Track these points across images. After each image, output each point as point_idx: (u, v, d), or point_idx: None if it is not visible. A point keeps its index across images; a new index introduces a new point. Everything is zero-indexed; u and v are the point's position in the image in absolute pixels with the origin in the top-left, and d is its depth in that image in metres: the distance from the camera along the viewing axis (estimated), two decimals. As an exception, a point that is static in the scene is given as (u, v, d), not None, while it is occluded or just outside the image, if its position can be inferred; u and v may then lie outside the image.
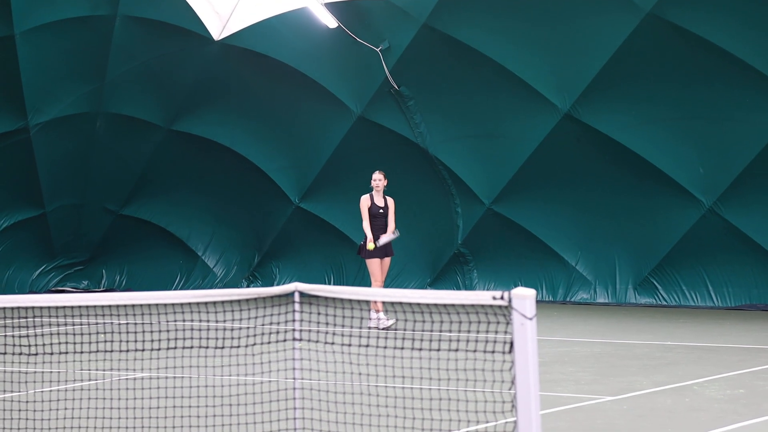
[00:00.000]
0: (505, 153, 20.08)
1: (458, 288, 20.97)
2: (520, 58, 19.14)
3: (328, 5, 19.71)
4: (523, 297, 5.93)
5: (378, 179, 15.88)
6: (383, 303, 14.83)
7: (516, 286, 20.19)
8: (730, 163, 18.39)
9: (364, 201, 15.79)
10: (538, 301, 19.96)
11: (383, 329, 14.26)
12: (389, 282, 20.03)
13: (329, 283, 22.00)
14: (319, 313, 7.94)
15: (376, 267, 15.35)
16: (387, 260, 15.57)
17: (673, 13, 17.60)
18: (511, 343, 5.92)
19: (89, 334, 13.24)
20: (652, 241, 19.42)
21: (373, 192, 15.85)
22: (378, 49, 19.91)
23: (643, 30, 17.88)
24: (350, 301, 6.90)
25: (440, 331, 8.35)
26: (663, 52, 18.07)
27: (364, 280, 21.61)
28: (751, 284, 18.78)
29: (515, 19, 18.81)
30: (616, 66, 18.40)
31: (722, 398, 9.65)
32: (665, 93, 18.41)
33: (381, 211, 15.76)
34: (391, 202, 15.97)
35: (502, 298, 6.02)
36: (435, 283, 21.24)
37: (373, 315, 14.62)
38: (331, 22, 19.85)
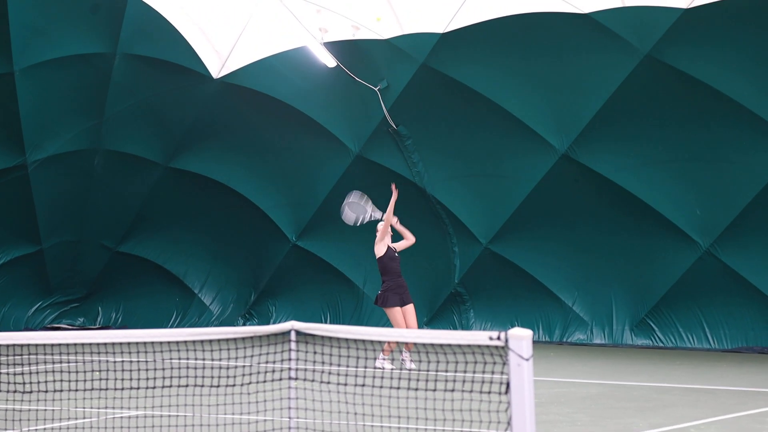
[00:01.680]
0: (503, 193, 20.11)
1: (455, 327, 20.93)
2: (518, 98, 19.21)
3: (326, 44, 19.81)
4: (520, 337, 5.93)
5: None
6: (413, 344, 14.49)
7: (512, 326, 20.17)
8: (728, 204, 18.42)
9: (382, 232, 15.48)
10: (534, 342, 20.00)
11: (408, 370, 14.15)
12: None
13: (325, 322, 21.97)
14: (315, 352, 7.92)
15: (398, 315, 14.70)
16: (409, 308, 14.90)
17: (671, 55, 17.68)
18: (508, 384, 5.91)
19: (84, 371, 13.20)
20: (649, 283, 19.41)
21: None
22: (376, 89, 19.98)
23: (641, 71, 17.96)
24: (346, 340, 6.89)
25: (437, 371, 8.32)
26: (660, 94, 18.15)
27: (361, 319, 21.57)
28: (748, 326, 18.76)
29: (513, 59, 18.89)
30: (614, 107, 18.47)
31: (719, 441, 9.62)
32: (663, 134, 18.47)
33: (397, 254, 15.56)
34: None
35: (498, 338, 6.02)
36: (432, 322, 21.22)
37: (405, 355, 14.15)
38: (329, 61, 19.94)
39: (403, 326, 14.54)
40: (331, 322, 21.82)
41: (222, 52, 20.56)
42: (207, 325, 22.24)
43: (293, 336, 7.19)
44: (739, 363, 17.12)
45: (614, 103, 18.45)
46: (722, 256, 18.62)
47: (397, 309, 14.86)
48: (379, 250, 15.31)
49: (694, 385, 13.72)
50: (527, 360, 5.97)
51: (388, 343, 13.98)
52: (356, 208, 15.73)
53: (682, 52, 17.62)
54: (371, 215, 15.92)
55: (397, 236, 16.08)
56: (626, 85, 18.18)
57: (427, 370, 8.19)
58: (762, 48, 17.22)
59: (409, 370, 13.84)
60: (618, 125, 18.64)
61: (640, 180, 18.89)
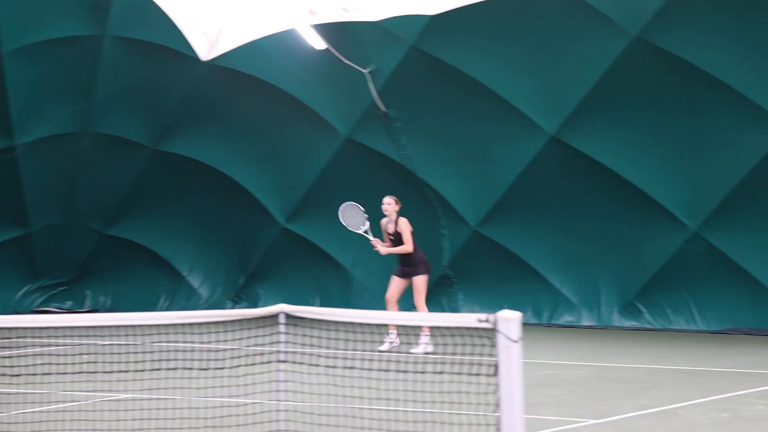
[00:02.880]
0: (492, 175, 20.11)
1: (443, 310, 20.95)
2: (508, 81, 19.20)
3: (316, 26, 19.76)
4: (509, 320, 5.95)
5: (386, 203, 15.69)
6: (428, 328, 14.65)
7: (501, 308, 20.14)
8: (716, 187, 18.45)
9: (382, 223, 15.75)
10: (522, 324, 19.95)
11: (417, 353, 14.33)
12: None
13: (315, 305, 21.97)
14: (304, 335, 7.92)
15: (392, 281, 15.39)
16: (414, 278, 15.41)
17: (660, 38, 17.69)
18: (496, 366, 5.92)
19: (72, 354, 13.19)
20: (638, 265, 19.44)
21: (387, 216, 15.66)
22: (366, 71, 19.95)
23: (631, 54, 17.96)
24: (335, 322, 6.90)
25: (426, 353, 8.33)
26: (650, 76, 18.15)
27: (350, 302, 21.58)
28: (736, 308, 18.81)
29: (503, 42, 18.87)
30: (604, 89, 18.47)
31: (706, 422, 9.65)
32: (652, 117, 18.48)
33: (391, 237, 15.62)
34: (403, 223, 15.68)
35: (487, 320, 6.03)
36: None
37: (393, 337, 14.59)
38: (319, 43, 19.89)
39: (391, 292, 15.18)
40: (320, 305, 21.83)
41: (211, 35, 20.49)
42: (196, 309, 22.21)
43: (282, 319, 7.18)
44: (727, 344, 17.19)
45: (604, 86, 18.45)
46: (710, 238, 18.66)
47: (394, 277, 15.51)
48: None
49: (681, 367, 13.78)
50: (516, 342, 5.99)
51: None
52: (356, 216, 15.90)
53: (672, 35, 17.62)
54: (362, 230, 16.00)
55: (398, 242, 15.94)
56: (616, 67, 18.18)
57: (416, 352, 8.19)
58: (750, 30, 17.23)
59: (380, 351, 14.20)
60: (608, 108, 18.64)
61: (629, 162, 18.90)
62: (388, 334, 14.78)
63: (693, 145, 18.35)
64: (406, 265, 15.50)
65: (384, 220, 15.70)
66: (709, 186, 18.46)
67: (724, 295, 18.80)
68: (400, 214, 15.83)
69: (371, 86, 20.00)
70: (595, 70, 18.38)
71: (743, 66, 17.49)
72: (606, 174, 19.06)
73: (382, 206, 15.67)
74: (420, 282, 15.44)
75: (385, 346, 14.52)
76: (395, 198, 15.86)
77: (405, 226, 15.63)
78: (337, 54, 19.87)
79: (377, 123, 20.43)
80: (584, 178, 19.38)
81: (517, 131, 19.42)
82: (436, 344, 7.71)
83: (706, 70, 17.55)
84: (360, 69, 19.94)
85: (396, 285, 15.51)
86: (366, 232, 15.85)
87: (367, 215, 16.00)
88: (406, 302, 16.30)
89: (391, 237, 15.56)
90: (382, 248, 15.55)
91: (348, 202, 16.20)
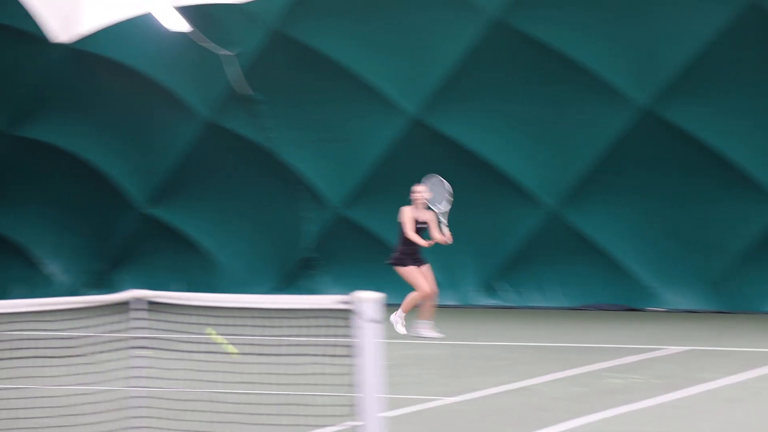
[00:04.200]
0: (356, 157, 20.17)
1: (308, 293, 20.95)
2: (369, 63, 19.26)
3: (177, 9, 19.50)
4: (369, 300, 6.00)
5: (419, 191, 14.81)
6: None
7: (366, 289, 20.29)
8: (572, 165, 18.83)
9: (408, 212, 14.68)
10: (387, 305, 20.12)
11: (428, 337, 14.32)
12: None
13: (178, 290, 21.73)
14: (163, 320, 7.84)
15: (418, 274, 14.44)
16: (426, 267, 14.63)
17: (519, 21, 17.97)
18: (356, 347, 5.96)
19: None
20: (498, 243, 19.72)
21: (415, 205, 14.72)
22: (227, 54, 19.79)
23: (490, 35, 18.20)
24: (196, 307, 6.85)
25: (286, 336, 8.35)
26: (510, 58, 18.42)
27: (215, 287, 21.42)
28: (594, 285, 19.24)
29: (361, 24, 18.93)
30: (464, 71, 18.67)
31: (564, 396, 9.86)
32: (511, 97, 18.74)
33: (423, 226, 14.72)
34: (431, 215, 14.86)
35: (347, 302, 6.07)
36: (284, 288, 21.18)
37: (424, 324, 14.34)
38: (181, 26, 19.64)
39: (423, 282, 14.44)
40: (184, 291, 21.60)
41: (69, 17, 20.06)
42: (54, 296, 21.79)
43: (141, 304, 7.11)
44: (584, 320, 17.58)
45: (464, 67, 18.65)
46: (568, 217, 19.04)
47: (412, 268, 14.58)
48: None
49: (540, 343, 14.04)
50: (375, 322, 6.04)
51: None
52: (440, 192, 14.96)
53: (529, 17, 17.92)
54: (440, 207, 15.06)
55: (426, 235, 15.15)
56: (475, 49, 18.41)
57: (277, 336, 8.22)
58: (606, 9, 17.62)
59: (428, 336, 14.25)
60: (468, 89, 18.85)
61: (490, 143, 19.15)
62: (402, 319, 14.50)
63: (549, 124, 18.69)
64: (418, 254, 14.65)
65: (409, 208, 14.74)
66: (566, 164, 18.84)
67: (581, 271, 19.21)
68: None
69: (234, 69, 19.85)
70: (455, 51, 18.58)
71: (598, 46, 17.86)
72: (466, 155, 19.27)
73: (417, 194, 14.76)
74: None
75: (434, 332, 14.41)
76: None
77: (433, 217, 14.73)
78: (199, 37, 19.66)
79: (240, 106, 20.29)
80: (445, 159, 19.56)
81: (378, 113, 19.51)
82: (292, 326, 7.78)
83: (563, 52, 17.88)
84: (222, 51, 19.77)
85: (423, 275, 14.64)
86: (443, 215, 14.80)
87: (451, 198, 14.97)
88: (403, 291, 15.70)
89: (422, 226, 14.64)
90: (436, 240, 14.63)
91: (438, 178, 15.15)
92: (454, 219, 19.85)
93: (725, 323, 17.05)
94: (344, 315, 6.26)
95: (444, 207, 14.93)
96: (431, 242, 14.60)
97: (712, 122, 17.85)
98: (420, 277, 14.38)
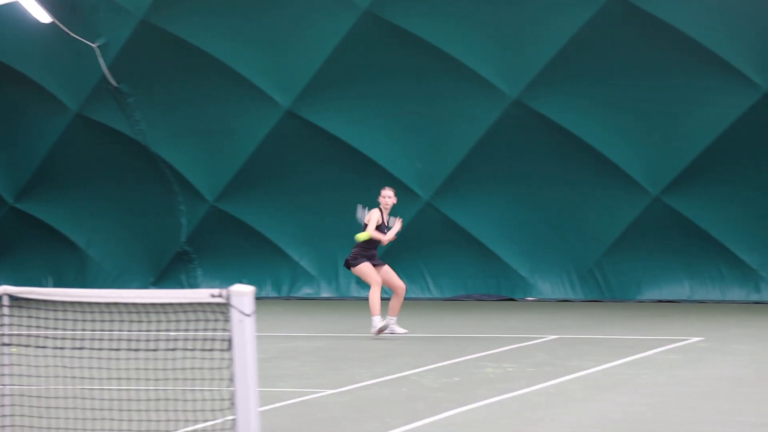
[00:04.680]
0: (229, 150, 20.02)
1: (182, 287, 20.73)
2: (240, 55, 19.13)
3: (40, 0, 19.08)
4: (242, 294, 5.92)
5: (389, 196, 14.16)
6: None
7: (241, 282, 20.16)
8: (446, 157, 18.98)
9: (375, 215, 14.06)
10: (262, 298, 20.09)
11: (391, 333, 13.86)
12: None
13: (48, 286, 21.31)
14: (30, 317, 7.66)
15: (368, 268, 13.90)
16: (386, 266, 14.06)
17: (389, 12, 18.02)
18: (230, 340, 5.89)
19: None
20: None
21: (381, 208, 14.11)
22: (94, 45, 19.43)
23: (361, 28, 18.23)
24: (63, 303, 6.70)
25: (158, 331, 8.22)
26: (380, 49, 18.47)
27: (86, 283, 21.03)
28: (467, 275, 19.43)
29: (233, 17, 18.80)
30: (337, 63, 18.66)
31: (438, 387, 9.91)
32: (384, 89, 18.81)
33: (386, 231, 14.10)
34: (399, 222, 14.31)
35: (220, 295, 5.98)
36: (158, 282, 20.94)
37: (390, 320, 13.93)
38: (44, 16, 19.22)
39: (376, 277, 13.86)
40: (54, 286, 21.19)
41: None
42: None
43: (5, 300, 6.95)
44: (459, 311, 17.73)
45: (336, 60, 18.65)
46: (441, 208, 19.19)
47: (366, 264, 13.96)
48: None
49: (416, 334, 14.10)
50: (249, 316, 5.97)
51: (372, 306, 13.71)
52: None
53: (401, 9, 18.00)
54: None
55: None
56: (347, 41, 18.41)
57: (149, 330, 8.09)
58: (473, 5, 17.80)
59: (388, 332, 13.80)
60: (341, 81, 18.86)
61: (364, 135, 19.20)
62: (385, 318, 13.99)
63: (424, 117, 18.82)
64: (375, 255, 14.15)
65: (377, 210, 14.12)
66: (440, 156, 18.99)
67: (456, 262, 19.39)
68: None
69: (101, 61, 19.52)
70: (328, 43, 18.57)
71: (467, 39, 18.04)
72: (340, 146, 19.29)
73: (387, 199, 14.12)
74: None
75: (400, 329, 13.96)
76: (395, 191, 14.40)
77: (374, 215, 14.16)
78: (63, 28, 19.27)
79: (109, 98, 19.97)
80: (320, 151, 19.55)
81: (252, 105, 19.39)
82: (168, 321, 7.67)
83: (431, 42, 18.02)
84: (88, 43, 19.42)
85: (376, 270, 14.04)
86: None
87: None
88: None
89: (386, 231, 14.12)
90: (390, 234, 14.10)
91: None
92: (330, 210, 19.89)
93: (597, 312, 17.37)
94: (219, 309, 6.17)
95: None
96: (392, 237, 14.17)
97: (581, 113, 18.17)
98: (371, 270, 13.91)
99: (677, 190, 18.20)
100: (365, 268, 14.03)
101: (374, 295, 13.87)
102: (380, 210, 14.11)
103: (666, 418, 8.43)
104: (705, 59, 17.23)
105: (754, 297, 18.36)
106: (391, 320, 14.04)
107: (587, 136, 18.19)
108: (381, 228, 14.05)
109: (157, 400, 7.97)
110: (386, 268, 14.13)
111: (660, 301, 18.64)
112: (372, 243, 14.05)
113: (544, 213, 18.99)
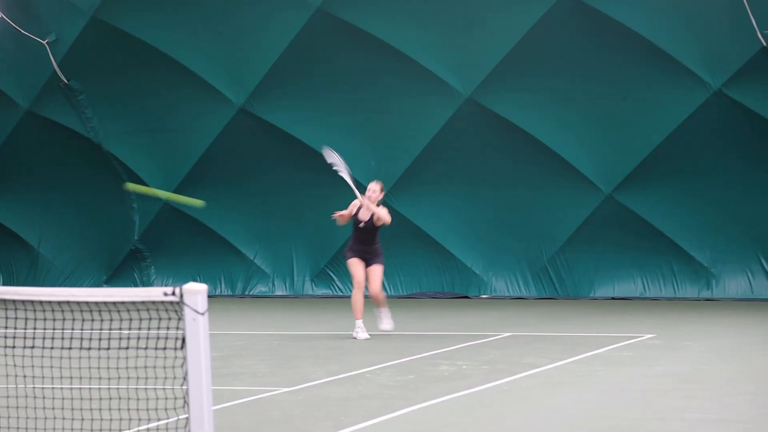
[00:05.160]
0: (181, 147, 19.94)
1: (136, 285, 20.63)
2: (193, 52, 19.05)
3: (-9, -5, 18.92)
4: (195, 292, 5.87)
5: (372, 190, 13.78)
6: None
7: (195, 281, 20.08)
8: (400, 155, 19.01)
9: (354, 203, 13.79)
10: (216, 296, 20.02)
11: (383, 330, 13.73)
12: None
13: (-1, 285, 21.13)
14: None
15: (354, 267, 13.70)
16: (374, 266, 13.72)
17: (342, 10, 18.02)
18: (183, 339, 5.85)
19: None
20: (327, 233, 19.76)
21: (364, 202, 13.68)
22: (45, 42, 19.27)
23: (314, 25, 18.21)
24: (14, 301, 6.63)
25: (110, 329, 8.15)
26: (333, 47, 18.46)
27: (36, 280, 20.87)
28: (422, 273, 19.47)
29: (185, 13, 18.72)
30: (289, 61, 18.64)
31: (393, 384, 9.92)
32: (336, 87, 18.82)
33: (361, 224, 13.72)
34: (384, 209, 13.89)
35: (173, 293, 5.94)
36: (111, 280, 20.81)
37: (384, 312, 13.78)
38: (-5, 12, 19.05)
39: (358, 277, 13.65)
40: (4, 284, 21.00)
41: None
42: None
43: (-44, 299, 6.86)
44: (414, 308, 17.76)
45: (290, 57, 18.63)
46: (396, 206, 19.20)
47: (355, 260, 13.72)
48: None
49: (370, 332, 14.09)
50: (202, 314, 5.92)
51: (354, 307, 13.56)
52: (336, 161, 13.99)
53: (352, 6, 18.01)
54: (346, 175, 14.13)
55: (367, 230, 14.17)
56: (300, 38, 18.41)
57: (101, 329, 8.03)
58: (425, 3, 17.84)
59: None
60: (294, 79, 18.85)
61: (315, 132, 19.17)
62: (380, 314, 13.84)
63: (378, 114, 18.84)
64: (372, 254, 13.83)
65: (356, 203, 13.81)
66: (394, 153, 19.02)
67: (410, 260, 19.41)
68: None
69: (51, 57, 19.36)
70: (281, 41, 18.54)
71: (420, 37, 18.07)
72: (294, 144, 19.26)
73: (368, 192, 13.74)
74: (382, 271, 13.87)
75: (364, 335, 13.57)
76: (382, 185, 14.05)
77: (385, 210, 13.90)
78: (13, 24, 19.09)
79: (60, 95, 19.81)
80: (273, 149, 19.52)
81: (205, 102, 19.33)
82: (121, 319, 7.61)
83: (384, 40, 18.03)
84: (38, 40, 19.25)
85: (362, 267, 13.76)
86: (350, 182, 13.86)
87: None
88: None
89: (361, 224, 13.74)
90: (371, 206, 13.59)
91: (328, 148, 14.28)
92: (287, 208, 19.84)
93: (551, 309, 17.46)
94: (172, 307, 6.13)
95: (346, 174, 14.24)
96: (340, 215, 13.78)
97: (534, 111, 18.26)
98: (354, 268, 13.66)
99: (629, 188, 18.33)
100: (350, 265, 13.89)
101: (353, 296, 13.72)
102: (363, 201, 13.71)
103: (619, 413, 8.49)
104: (656, 58, 17.36)
105: (706, 294, 18.54)
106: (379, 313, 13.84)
107: (540, 133, 18.28)
108: (357, 221, 13.73)
109: (110, 398, 7.92)
110: (372, 267, 13.77)
111: (613, 299, 18.77)
112: (361, 237, 13.76)
113: (497, 211, 19.07)
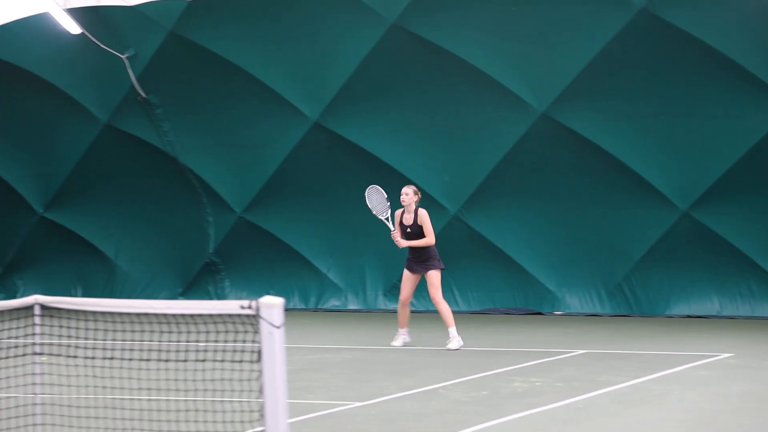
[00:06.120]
0: (257, 161, 20.08)
1: (210, 298, 20.80)
2: (269, 67, 19.19)
3: (70, 11, 19.20)
4: (271, 306, 5.92)
5: (405, 193, 13.99)
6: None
7: (268, 294, 20.19)
8: (474, 170, 18.96)
9: (396, 216, 14.11)
10: (290, 309, 20.11)
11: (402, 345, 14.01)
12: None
13: (76, 296, 21.42)
14: (61, 326, 7.69)
15: (403, 282, 14.00)
16: (429, 273, 13.87)
17: (416, 25, 18.04)
18: (259, 352, 5.89)
19: None
20: (399, 248, 19.76)
21: (404, 207, 14.00)
22: (123, 56, 19.54)
23: (389, 40, 18.25)
24: (93, 312, 6.72)
25: (187, 341, 8.24)
26: (407, 62, 18.48)
27: (114, 292, 21.12)
28: (494, 288, 19.38)
29: (262, 28, 18.85)
30: (364, 75, 18.69)
31: (467, 400, 9.89)
32: (411, 102, 18.82)
33: (408, 230, 13.93)
34: (423, 215, 14.02)
35: (250, 307, 5.99)
36: (186, 293, 21.00)
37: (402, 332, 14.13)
38: (74, 27, 19.34)
39: (404, 291, 13.99)
40: (83, 296, 21.30)
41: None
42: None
43: (37, 310, 6.98)
44: (486, 324, 17.69)
45: (364, 72, 18.69)
46: (469, 221, 19.16)
47: (405, 272, 14.02)
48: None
49: (443, 348, 14.06)
50: (278, 328, 5.96)
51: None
52: (380, 201, 14.41)
53: (427, 21, 18.02)
54: (384, 216, 14.33)
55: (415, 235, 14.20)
56: (374, 53, 18.44)
57: (178, 341, 8.11)
58: (501, 18, 17.78)
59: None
60: (369, 94, 18.88)
61: (390, 147, 19.20)
62: (398, 331, 14.17)
63: (454, 129, 18.80)
64: (419, 260, 13.97)
65: (399, 212, 14.07)
66: (468, 169, 18.97)
67: (482, 275, 19.35)
68: (419, 205, 14.23)
69: (130, 72, 19.62)
70: (355, 56, 18.60)
71: (491, 51, 18.02)
72: (369, 159, 19.30)
73: (401, 197, 13.96)
74: (436, 277, 13.94)
75: (398, 342, 14.09)
76: (415, 188, 14.18)
77: (426, 218, 14.00)
78: (93, 39, 19.38)
79: (138, 109, 20.07)
80: (347, 164, 19.57)
81: (280, 117, 19.45)
82: (198, 332, 7.67)
83: (459, 55, 18.00)
84: (117, 54, 19.52)
85: (410, 284, 14.00)
86: (387, 219, 14.23)
87: (389, 203, 14.34)
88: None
89: (408, 230, 13.96)
90: (403, 241, 13.96)
91: (373, 186, 14.48)
92: (357, 222, 19.90)
93: (626, 327, 17.29)
94: (247, 320, 6.18)
95: (387, 213, 14.50)
96: (407, 244, 13.97)
97: (609, 127, 18.12)
98: (404, 283, 13.99)
99: (706, 205, 18.11)
100: (403, 277, 14.19)
101: (398, 309, 14.09)
102: (402, 210, 14.08)
103: (696, 434, 8.38)
104: (734, 74, 17.15)
105: (784, 313, 18.24)
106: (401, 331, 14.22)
107: (615, 150, 18.13)
108: (403, 227, 14.03)
109: (187, 410, 7.98)
110: (428, 274, 13.96)
111: (689, 317, 18.54)
112: (413, 248, 14.02)
113: (571, 227, 18.93)
